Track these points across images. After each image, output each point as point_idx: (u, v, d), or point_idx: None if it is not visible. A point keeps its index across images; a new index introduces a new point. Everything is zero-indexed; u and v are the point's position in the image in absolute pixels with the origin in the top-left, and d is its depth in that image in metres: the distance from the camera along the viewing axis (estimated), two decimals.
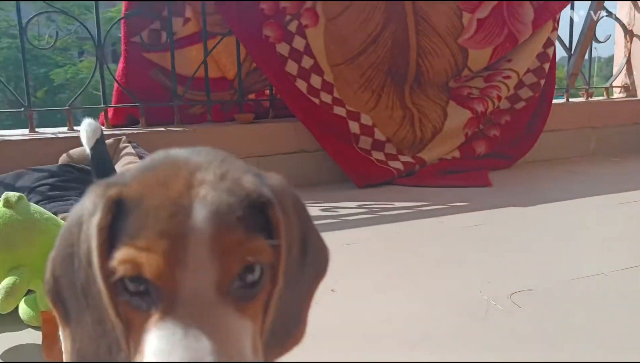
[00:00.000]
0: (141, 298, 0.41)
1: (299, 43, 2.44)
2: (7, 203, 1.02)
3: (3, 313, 1.00)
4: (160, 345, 0.39)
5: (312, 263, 0.51)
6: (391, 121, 2.56)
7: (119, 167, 1.90)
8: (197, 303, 0.40)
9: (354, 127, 2.48)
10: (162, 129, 2.31)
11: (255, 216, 0.43)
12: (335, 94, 2.48)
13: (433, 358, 0.96)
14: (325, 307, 1.21)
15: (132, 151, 1.98)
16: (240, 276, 0.42)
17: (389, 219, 1.93)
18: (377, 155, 2.49)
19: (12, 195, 1.03)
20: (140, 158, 1.90)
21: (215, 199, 0.42)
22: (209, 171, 0.44)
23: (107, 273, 0.42)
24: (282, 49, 2.42)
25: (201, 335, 0.38)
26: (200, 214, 0.41)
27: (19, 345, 1.06)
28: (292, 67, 2.42)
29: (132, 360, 0.42)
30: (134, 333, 0.42)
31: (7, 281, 0.98)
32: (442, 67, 2.73)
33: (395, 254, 1.57)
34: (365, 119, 2.51)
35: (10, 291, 0.97)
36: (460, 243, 1.66)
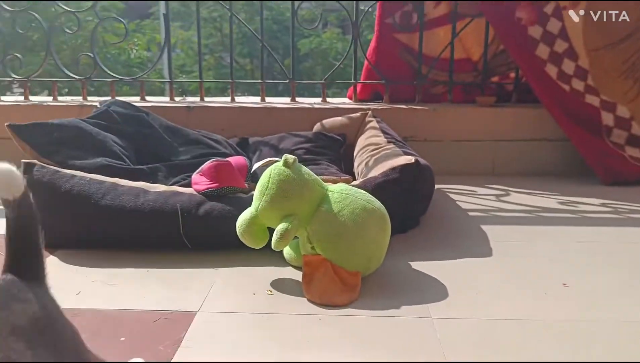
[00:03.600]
0: None
1: (553, 26, 2.32)
2: (286, 163, 1.25)
3: (275, 250, 1.24)
4: None
5: None
6: None
7: (362, 140, 2.10)
8: None
9: (607, 118, 2.29)
10: (404, 106, 2.44)
11: None
12: (589, 82, 2.31)
13: None
14: (555, 299, 1.20)
15: (376, 125, 2.15)
16: None
17: (638, 222, 1.77)
18: (632, 151, 2.27)
19: (290, 157, 1.26)
20: (383, 132, 2.06)
21: None
22: None
23: None
24: (534, 31, 2.33)
25: None
26: None
27: (283, 278, 1.30)
28: (543, 50, 2.32)
29: None
30: None
31: (282, 225, 1.21)
32: None
33: None
34: (622, 111, 2.29)
35: (283, 234, 1.20)
36: None
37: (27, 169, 1.50)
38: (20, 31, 2.68)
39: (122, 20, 2.94)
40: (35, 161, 1.53)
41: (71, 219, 1.46)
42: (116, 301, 1.18)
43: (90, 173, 1.54)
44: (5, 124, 1.66)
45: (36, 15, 2.55)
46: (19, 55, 2.68)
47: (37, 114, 2.44)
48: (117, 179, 1.52)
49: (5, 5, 2.56)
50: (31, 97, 2.62)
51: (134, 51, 9.95)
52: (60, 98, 2.60)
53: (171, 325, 1.08)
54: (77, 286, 1.26)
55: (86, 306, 1.16)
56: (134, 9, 13.13)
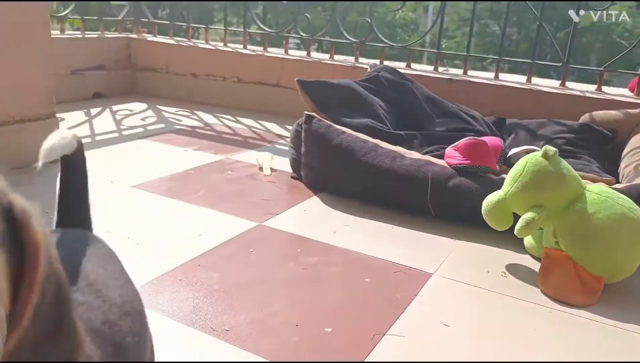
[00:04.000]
0: None
1: None
2: (545, 155, 1.24)
3: (518, 237, 1.26)
4: None
5: None
6: None
7: (636, 140, 1.90)
8: None
9: None
10: None
11: None
12: None
13: None
14: None
15: None
16: None
17: None
18: None
19: (551, 149, 1.24)
20: None
21: None
22: None
23: None
24: None
25: None
26: None
27: (519, 264, 1.31)
28: None
29: None
30: None
31: (529, 214, 1.22)
32: None
33: None
34: None
35: (529, 223, 1.21)
36: None
37: (308, 120, 1.75)
38: None
39: None
40: (314, 114, 1.78)
41: (336, 168, 1.68)
42: (364, 247, 1.35)
43: (356, 131, 1.74)
44: (295, 79, 1.94)
45: None
46: (308, 15, 3.05)
47: (316, 70, 2.78)
48: (378, 141, 1.68)
49: None
50: (312, 54, 2.98)
51: (400, 12, 10.27)
52: (335, 57, 2.90)
53: (408, 280, 1.20)
54: (333, 226, 1.47)
55: (340, 244, 1.35)
56: None
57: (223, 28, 3.19)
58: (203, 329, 0.98)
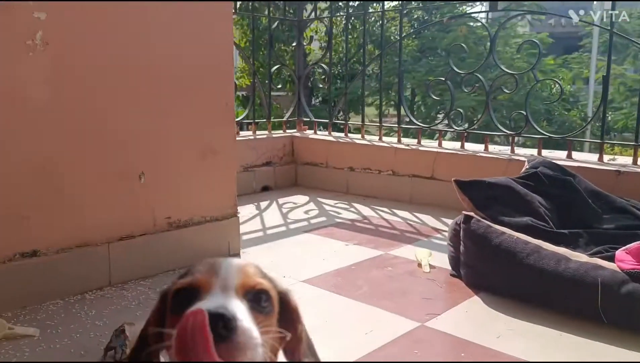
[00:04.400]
0: None
1: None
2: None
3: None
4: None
5: None
6: None
7: None
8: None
9: None
10: None
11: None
12: None
13: None
14: None
15: None
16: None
17: None
18: None
19: None
20: None
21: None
22: None
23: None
24: None
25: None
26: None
27: None
28: None
29: None
30: None
31: None
32: None
33: None
34: None
35: None
36: None
37: (466, 220, 1.81)
38: (466, 90, 3.13)
39: (557, 82, 3.07)
40: (473, 214, 1.83)
41: (496, 269, 1.69)
42: (530, 355, 1.33)
43: (516, 230, 1.74)
44: (452, 179, 2.00)
45: (480, 77, 2.95)
46: (461, 110, 3.15)
47: (470, 163, 2.84)
48: (541, 241, 1.67)
49: (456, 69, 3.05)
50: (466, 145, 3.03)
51: (557, 86, 9.84)
52: (490, 147, 2.92)
53: None
54: (497, 330, 1.47)
55: (504, 350, 1.35)
56: (561, 42, 13.12)
57: (378, 125, 3.41)
58: None
